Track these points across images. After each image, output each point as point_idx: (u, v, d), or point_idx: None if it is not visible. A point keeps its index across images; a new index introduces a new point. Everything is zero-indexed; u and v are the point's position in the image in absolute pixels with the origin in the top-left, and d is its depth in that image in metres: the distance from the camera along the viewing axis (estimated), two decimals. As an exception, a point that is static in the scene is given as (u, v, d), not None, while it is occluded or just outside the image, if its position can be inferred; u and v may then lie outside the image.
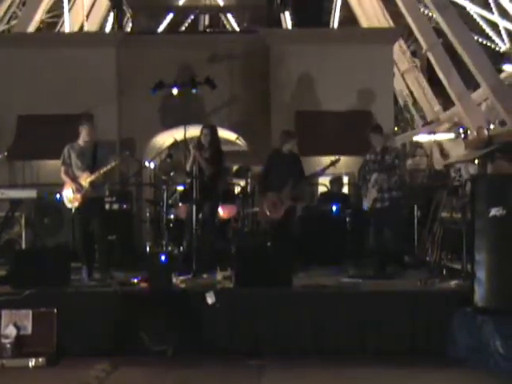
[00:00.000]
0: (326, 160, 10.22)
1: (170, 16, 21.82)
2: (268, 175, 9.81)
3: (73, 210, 8.78)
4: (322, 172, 10.33)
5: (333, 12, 21.33)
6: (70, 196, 8.71)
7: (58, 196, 11.65)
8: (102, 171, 8.64)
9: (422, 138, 18.42)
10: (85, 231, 8.80)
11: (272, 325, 7.43)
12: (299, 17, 15.20)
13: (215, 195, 9.56)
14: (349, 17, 21.92)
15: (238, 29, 22.54)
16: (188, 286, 8.12)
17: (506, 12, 19.52)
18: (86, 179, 8.63)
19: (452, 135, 18.74)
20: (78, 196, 8.64)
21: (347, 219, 10.81)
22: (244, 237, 10.40)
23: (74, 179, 8.69)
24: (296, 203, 9.77)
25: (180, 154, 10.65)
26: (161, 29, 21.47)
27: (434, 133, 18.12)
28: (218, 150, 9.55)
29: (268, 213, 9.57)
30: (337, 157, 9.84)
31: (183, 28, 22.51)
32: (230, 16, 23.40)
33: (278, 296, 7.61)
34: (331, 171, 10.58)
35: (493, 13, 19.84)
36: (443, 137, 18.75)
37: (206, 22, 23.34)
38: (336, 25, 21.13)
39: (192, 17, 22.04)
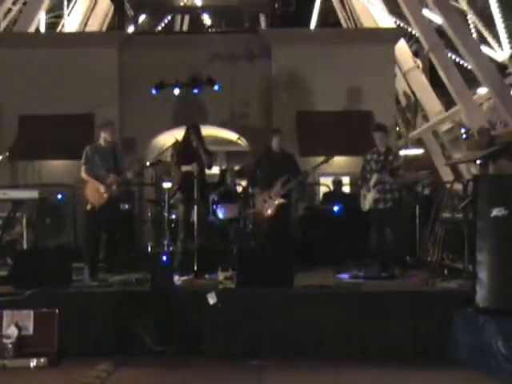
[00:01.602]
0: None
1: (143, 17, 21.56)
2: (255, 173, 9.88)
3: (95, 209, 8.86)
4: (314, 170, 10.33)
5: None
6: (95, 195, 8.79)
7: (59, 196, 11.69)
8: (130, 174, 8.97)
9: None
10: (99, 230, 8.90)
11: (273, 325, 7.42)
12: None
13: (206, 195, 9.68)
14: (350, 17, 21.93)
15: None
16: (189, 287, 8.14)
17: (483, 36, 19.68)
18: (113, 179, 8.76)
19: (421, 150, 18.99)
20: (106, 195, 8.76)
21: (349, 219, 10.80)
22: (245, 237, 10.39)
23: (100, 179, 8.81)
24: (287, 201, 9.69)
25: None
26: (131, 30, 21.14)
27: (405, 148, 18.22)
28: (206, 149, 9.54)
29: (259, 210, 9.63)
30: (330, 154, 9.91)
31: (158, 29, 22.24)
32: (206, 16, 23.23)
33: (279, 296, 7.60)
34: (331, 171, 10.58)
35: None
36: (413, 152, 18.93)
37: (185, 23, 23.29)
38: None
39: (169, 17, 21.79)
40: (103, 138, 9.01)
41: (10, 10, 18.62)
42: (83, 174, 8.93)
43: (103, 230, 8.95)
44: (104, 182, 8.78)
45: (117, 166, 8.91)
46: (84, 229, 9.90)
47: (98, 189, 8.76)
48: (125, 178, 8.97)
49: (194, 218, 9.10)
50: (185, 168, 9.31)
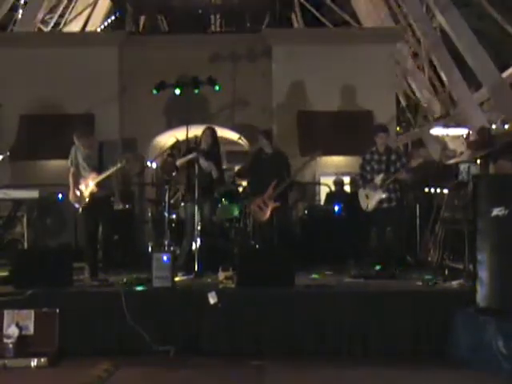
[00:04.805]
0: (322, 160, 10.25)
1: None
2: (248, 174, 9.93)
3: (80, 210, 8.81)
4: (300, 172, 10.39)
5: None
6: (76, 196, 8.75)
7: (59, 196, 11.69)
8: (108, 172, 8.65)
9: (437, 131, 18.41)
10: (91, 231, 8.84)
11: (274, 325, 7.42)
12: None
13: (214, 196, 9.66)
14: (351, 17, 21.95)
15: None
16: (190, 286, 8.14)
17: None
18: (92, 180, 8.67)
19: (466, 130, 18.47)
20: (85, 196, 8.69)
21: (351, 219, 10.81)
22: (246, 237, 10.40)
23: (78, 183, 8.72)
24: (282, 203, 9.68)
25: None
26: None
27: (449, 126, 17.99)
28: (219, 152, 9.54)
29: (256, 215, 9.65)
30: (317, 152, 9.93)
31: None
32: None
33: (280, 296, 7.59)
34: (332, 170, 10.60)
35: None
36: (456, 132, 18.51)
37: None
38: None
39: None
40: (81, 145, 8.74)
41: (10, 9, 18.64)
42: (70, 176, 8.84)
43: (97, 229, 8.86)
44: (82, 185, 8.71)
45: (103, 165, 8.69)
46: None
47: (78, 190, 8.72)
48: (105, 176, 8.65)
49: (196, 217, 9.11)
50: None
